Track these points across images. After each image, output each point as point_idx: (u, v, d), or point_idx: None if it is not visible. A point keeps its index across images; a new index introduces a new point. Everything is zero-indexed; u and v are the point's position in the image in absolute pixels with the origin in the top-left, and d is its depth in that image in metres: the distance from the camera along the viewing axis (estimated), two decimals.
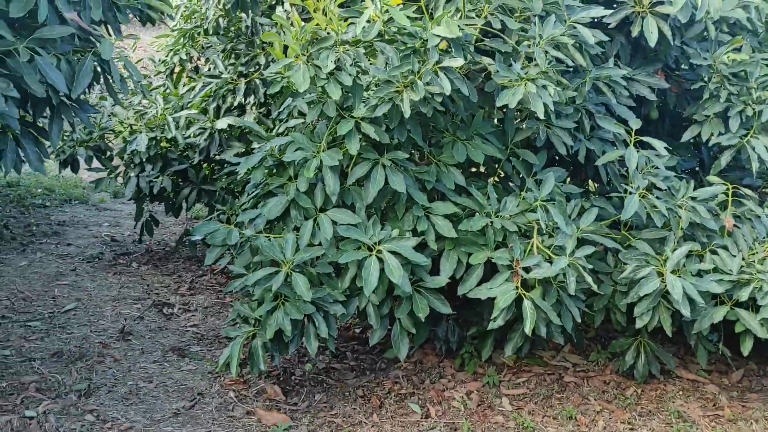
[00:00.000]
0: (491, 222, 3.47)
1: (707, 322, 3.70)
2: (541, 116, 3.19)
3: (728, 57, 4.16)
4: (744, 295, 3.61)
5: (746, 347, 3.74)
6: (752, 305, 3.67)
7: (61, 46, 3.01)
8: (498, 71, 3.28)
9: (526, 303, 3.30)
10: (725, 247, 3.86)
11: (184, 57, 5.72)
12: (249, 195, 3.76)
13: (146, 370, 4.12)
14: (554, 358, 4.52)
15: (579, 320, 3.52)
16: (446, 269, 3.50)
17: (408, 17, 3.16)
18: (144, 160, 5.99)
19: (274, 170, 3.73)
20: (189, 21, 5.53)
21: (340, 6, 3.43)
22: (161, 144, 6.02)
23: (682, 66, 4.64)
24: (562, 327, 3.52)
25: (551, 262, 3.40)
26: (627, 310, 3.82)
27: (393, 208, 3.56)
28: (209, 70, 5.47)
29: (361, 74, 3.30)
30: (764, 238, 3.96)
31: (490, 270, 3.56)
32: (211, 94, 5.24)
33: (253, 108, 5.20)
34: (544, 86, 3.19)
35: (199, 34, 5.61)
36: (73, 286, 5.51)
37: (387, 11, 3.19)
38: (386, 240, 3.31)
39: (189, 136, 5.69)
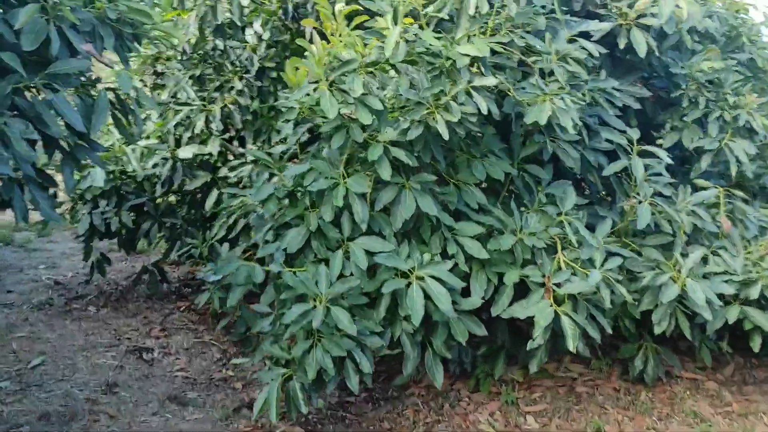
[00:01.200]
0: (519, 239, 3.43)
1: (720, 322, 3.81)
2: (571, 131, 3.20)
3: (705, 65, 4.34)
4: (754, 293, 3.74)
5: (756, 344, 3.88)
6: (760, 303, 3.82)
7: (72, 80, 2.73)
8: (524, 88, 3.26)
9: (565, 320, 3.28)
10: (724, 248, 4.00)
11: (139, 84, 5.39)
12: (260, 229, 3.54)
13: (149, 424, 3.80)
14: (558, 370, 4.54)
15: (610, 332, 3.53)
16: (477, 290, 3.43)
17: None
18: (97, 195, 5.61)
19: (287, 201, 3.54)
20: (147, 47, 5.21)
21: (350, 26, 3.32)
22: (117, 177, 5.66)
23: (654, 75, 4.80)
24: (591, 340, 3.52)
25: (580, 276, 3.40)
26: (641, 317, 3.88)
27: (416, 232, 3.46)
28: (172, 96, 5.17)
29: (387, 97, 3.19)
30: (755, 236, 4.14)
31: (517, 288, 3.53)
32: (183, 121, 4.95)
33: (242, 134, 4.96)
34: (572, 101, 3.19)
35: (157, 60, 5.30)
36: (32, 338, 5.04)
37: (407, 32, 3.10)
38: (423, 265, 3.20)
39: (153, 167, 5.36)
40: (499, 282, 3.46)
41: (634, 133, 3.99)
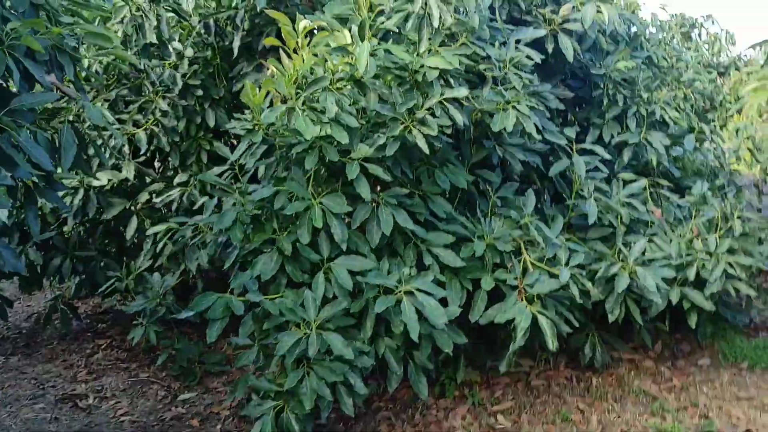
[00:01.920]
0: (489, 245, 3.50)
1: (663, 305, 4.08)
2: (535, 135, 3.31)
3: (621, 65, 4.64)
4: (691, 275, 4.05)
5: (693, 321, 4.20)
6: (696, 284, 4.13)
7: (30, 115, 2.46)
8: (477, 96, 3.32)
9: (542, 319, 3.39)
10: (656, 235, 4.30)
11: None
12: (229, 257, 3.37)
13: None
14: (510, 366, 4.67)
15: (576, 325, 3.69)
16: (453, 299, 3.45)
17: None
18: None
19: (251, 226, 3.39)
20: None
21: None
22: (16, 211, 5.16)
23: (571, 76, 5.06)
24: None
25: (549, 276, 3.53)
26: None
27: (388, 246, 3.44)
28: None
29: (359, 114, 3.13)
30: (680, 221, 4.48)
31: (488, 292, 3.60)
32: None
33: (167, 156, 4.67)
34: (532, 107, 3.30)
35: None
36: None
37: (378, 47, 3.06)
38: (408, 280, 3.19)
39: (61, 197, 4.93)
40: (473, 288, 3.51)
41: (571, 132, 4.19)
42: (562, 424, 3.93)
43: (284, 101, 3.04)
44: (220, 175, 4.27)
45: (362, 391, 3.08)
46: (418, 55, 3.20)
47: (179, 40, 4.56)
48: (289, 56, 3.09)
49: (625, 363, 4.69)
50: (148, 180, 5.17)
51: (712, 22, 9.41)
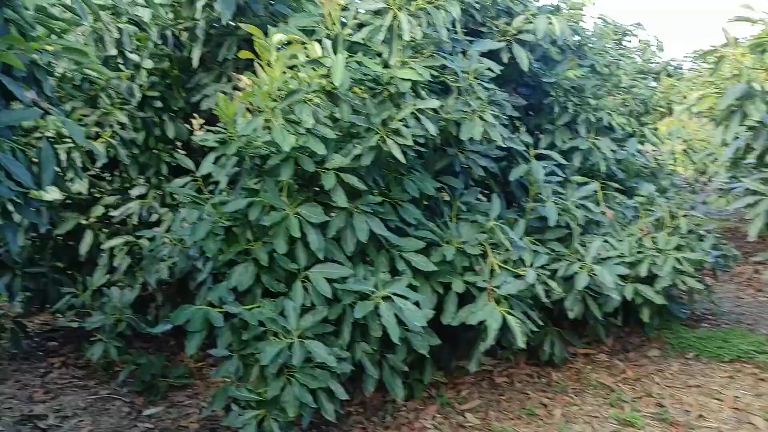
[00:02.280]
0: (459, 249, 3.62)
1: (616, 301, 4.30)
2: (501, 143, 3.44)
3: (570, 73, 4.86)
4: (643, 271, 4.28)
5: (645, 315, 4.44)
6: (647, 279, 4.37)
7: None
8: (454, 106, 3.44)
9: (511, 319, 3.53)
10: (609, 234, 4.52)
11: None
12: (204, 269, 3.37)
13: None
14: (478, 365, 4.81)
15: (541, 324, 3.85)
16: (425, 302, 3.55)
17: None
18: None
19: (224, 237, 3.40)
20: None
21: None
22: None
23: (522, 84, 5.25)
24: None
25: (515, 277, 3.68)
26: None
27: (361, 253, 3.51)
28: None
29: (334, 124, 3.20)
30: (629, 220, 4.72)
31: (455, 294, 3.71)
32: None
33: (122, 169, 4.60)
34: (497, 116, 3.44)
35: None
36: None
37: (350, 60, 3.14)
38: (385, 285, 3.26)
39: None
40: (444, 291, 3.62)
41: (528, 139, 4.36)
42: (528, 419, 4.09)
43: (258, 113, 3.07)
44: (182, 186, 4.25)
45: (342, 396, 3.14)
46: (386, 66, 3.29)
47: (137, 51, 4.51)
48: (262, 68, 3.12)
49: (581, 358, 4.90)
50: (100, 192, 5.07)
51: (642, 30, 9.93)
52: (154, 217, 4.71)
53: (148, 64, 4.42)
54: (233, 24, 4.40)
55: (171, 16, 4.10)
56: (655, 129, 6.57)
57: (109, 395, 4.74)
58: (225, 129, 3.24)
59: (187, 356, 3.12)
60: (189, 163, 4.30)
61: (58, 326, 6.26)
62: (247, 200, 3.27)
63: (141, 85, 4.49)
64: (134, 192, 4.76)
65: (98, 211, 5.01)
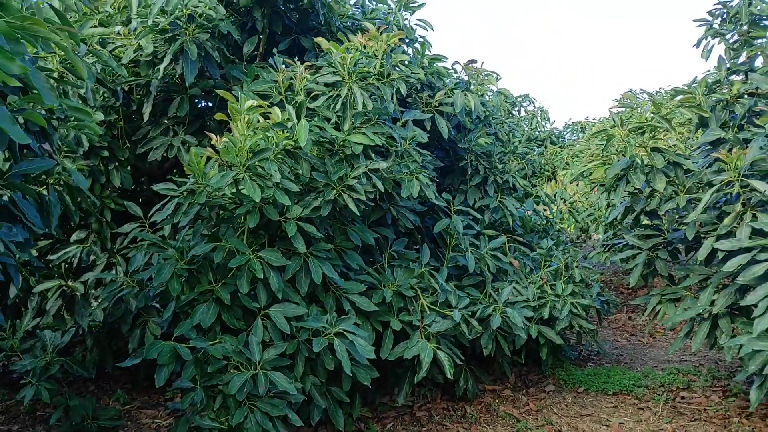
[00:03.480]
0: (396, 292, 4.11)
1: (523, 339, 4.92)
2: (434, 200, 4.00)
3: (482, 140, 5.56)
4: (545, 314, 4.94)
5: (545, 353, 5.09)
6: (549, 322, 5.03)
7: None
8: (397, 167, 3.98)
9: (441, 354, 4.04)
10: (515, 281, 5.17)
11: None
12: (168, 308, 3.65)
13: None
14: (391, 399, 5.26)
15: (462, 359, 4.38)
16: (367, 339, 3.99)
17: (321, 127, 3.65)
18: None
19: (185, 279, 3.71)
20: None
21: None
22: None
23: (438, 148, 5.90)
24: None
25: (442, 317, 4.21)
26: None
27: (311, 294, 3.92)
28: None
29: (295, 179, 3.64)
30: (530, 270, 5.41)
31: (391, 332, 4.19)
32: None
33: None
34: (432, 178, 4.01)
35: None
36: None
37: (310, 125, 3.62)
38: (336, 323, 3.68)
39: None
40: (382, 329, 4.08)
41: (448, 197, 4.97)
42: None
43: (229, 168, 3.47)
44: (129, 232, 4.50)
45: (297, 423, 3.50)
46: (339, 130, 3.79)
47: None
48: (235, 128, 3.53)
49: (489, 393, 5.46)
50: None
51: (530, 102, 11.09)
52: (96, 261, 4.87)
53: (99, 116, 4.66)
54: (180, 81, 4.77)
55: (124, 72, 4.39)
56: (541, 191, 7.43)
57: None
58: (195, 180, 3.59)
59: (157, 386, 3.36)
60: (137, 210, 4.56)
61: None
62: (212, 245, 3.62)
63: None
64: (74, 236, 4.91)
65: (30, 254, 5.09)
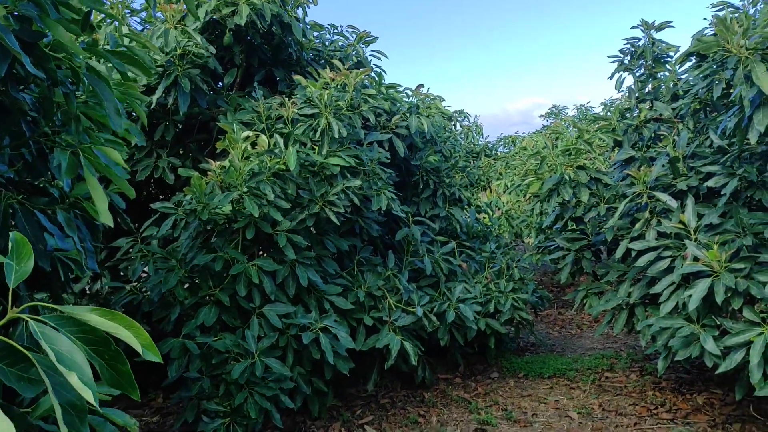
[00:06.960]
0: (368, 293, 4.79)
1: (474, 331, 5.67)
2: (400, 214, 4.70)
3: (431, 158, 6.31)
4: (491, 308, 5.71)
5: (492, 342, 5.86)
6: (494, 315, 5.80)
7: None
8: (366, 184, 4.66)
9: (407, 344, 4.73)
10: (463, 281, 5.93)
11: None
12: (173, 312, 4.21)
13: None
14: (357, 390, 5.93)
15: (424, 350, 5.08)
16: (345, 333, 4.64)
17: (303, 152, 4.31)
18: None
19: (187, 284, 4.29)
20: None
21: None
22: None
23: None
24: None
25: (406, 313, 4.90)
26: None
27: (297, 296, 4.55)
28: None
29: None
30: (476, 270, 6.18)
31: (364, 327, 4.86)
32: None
33: None
34: (394, 193, 4.71)
35: None
36: None
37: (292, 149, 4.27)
38: (320, 320, 4.33)
39: None
40: (357, 325, 4.75)
41: (407, 208, 5.68)
42: (413, 426, 5.26)
43: (229, 189, 4.08)
44: (124, 245, 5.02)
45: (290, 405, 4.12)
46: (318, 154, 4.45)
47: None
48: (234, 155, 4.14)
49: (443, 381, 6.20)
50: None
51: (464, 117, 11.98)
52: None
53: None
54: (162, 108, 5.32)
55: None
56: (479, 200, 8.23)
57: None
58: (196, 199, 4.17)
59: (170, 377, 3.91)
60: (130, 225, 5.07)
61: None
62: (211, 255, 4.21)
63: None
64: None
65: None
